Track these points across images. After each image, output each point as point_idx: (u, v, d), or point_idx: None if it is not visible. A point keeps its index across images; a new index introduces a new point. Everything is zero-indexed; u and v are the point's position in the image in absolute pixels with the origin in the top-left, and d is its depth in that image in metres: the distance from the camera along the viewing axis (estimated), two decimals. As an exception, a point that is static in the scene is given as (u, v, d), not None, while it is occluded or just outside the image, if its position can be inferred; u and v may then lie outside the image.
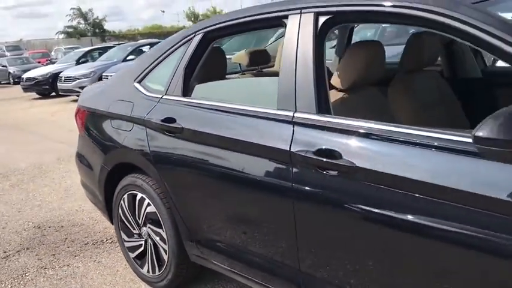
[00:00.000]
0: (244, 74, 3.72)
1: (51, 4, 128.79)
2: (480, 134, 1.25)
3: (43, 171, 5.65)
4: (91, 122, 2.96)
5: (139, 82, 2.66)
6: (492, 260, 1.36)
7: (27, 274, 3.07)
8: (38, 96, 15.04)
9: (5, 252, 3.44)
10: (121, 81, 2.86)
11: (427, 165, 1.48)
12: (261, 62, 3.71)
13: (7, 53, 31.81)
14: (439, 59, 2.89)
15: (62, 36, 51.51)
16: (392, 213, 1.55)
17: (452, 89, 2.59)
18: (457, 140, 1.42)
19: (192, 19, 59.56)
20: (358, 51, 2.16)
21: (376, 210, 1.59)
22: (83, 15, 54.40)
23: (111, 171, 2.78)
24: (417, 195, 1.48)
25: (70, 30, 53.23)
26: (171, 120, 2.31)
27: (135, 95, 2.62)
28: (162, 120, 2.35)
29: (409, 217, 1.51)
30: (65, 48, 31.58)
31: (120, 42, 19.82)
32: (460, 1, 1.58)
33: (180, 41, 2.49)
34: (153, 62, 2.63)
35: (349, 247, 1.75)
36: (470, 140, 1.34)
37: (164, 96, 2.45)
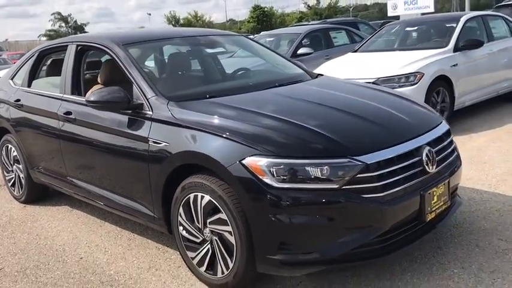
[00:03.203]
0: None
1: (40, 4, 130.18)
2: (87, 98, 3.09)
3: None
4: (-11, 104, 4.80)
5: (11, 79, 4.52)
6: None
7: None
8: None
9: None
10: (4, 78, 4.71)
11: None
12: None
13: (-12, 54, 33.43)
14: None
15: (44, 39, 53.35)
16: (91, 140, 3.40)
17: None
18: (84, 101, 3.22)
19: (173, 22, 61.31)
20: (103, 65, 3.96)
21: (85, 139, 3.43)
22: (64, 19, 56.46)
23: (-5, 133, 4.62)
24: (96, 130, 3.34)
25: (52, 33, 55.23)
26: (18, 100, 4.16)
27: (8, 86, 4.47)
28: (15, 101, 4.20)
29: (97, 141, 3.36)
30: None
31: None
32: (117, 42, 3.42)
33: (30, 55, 4.36)
34: (19, 66, 4.49)
35: (82, 159, 3.61)
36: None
37: (20, 87, 4.31)
